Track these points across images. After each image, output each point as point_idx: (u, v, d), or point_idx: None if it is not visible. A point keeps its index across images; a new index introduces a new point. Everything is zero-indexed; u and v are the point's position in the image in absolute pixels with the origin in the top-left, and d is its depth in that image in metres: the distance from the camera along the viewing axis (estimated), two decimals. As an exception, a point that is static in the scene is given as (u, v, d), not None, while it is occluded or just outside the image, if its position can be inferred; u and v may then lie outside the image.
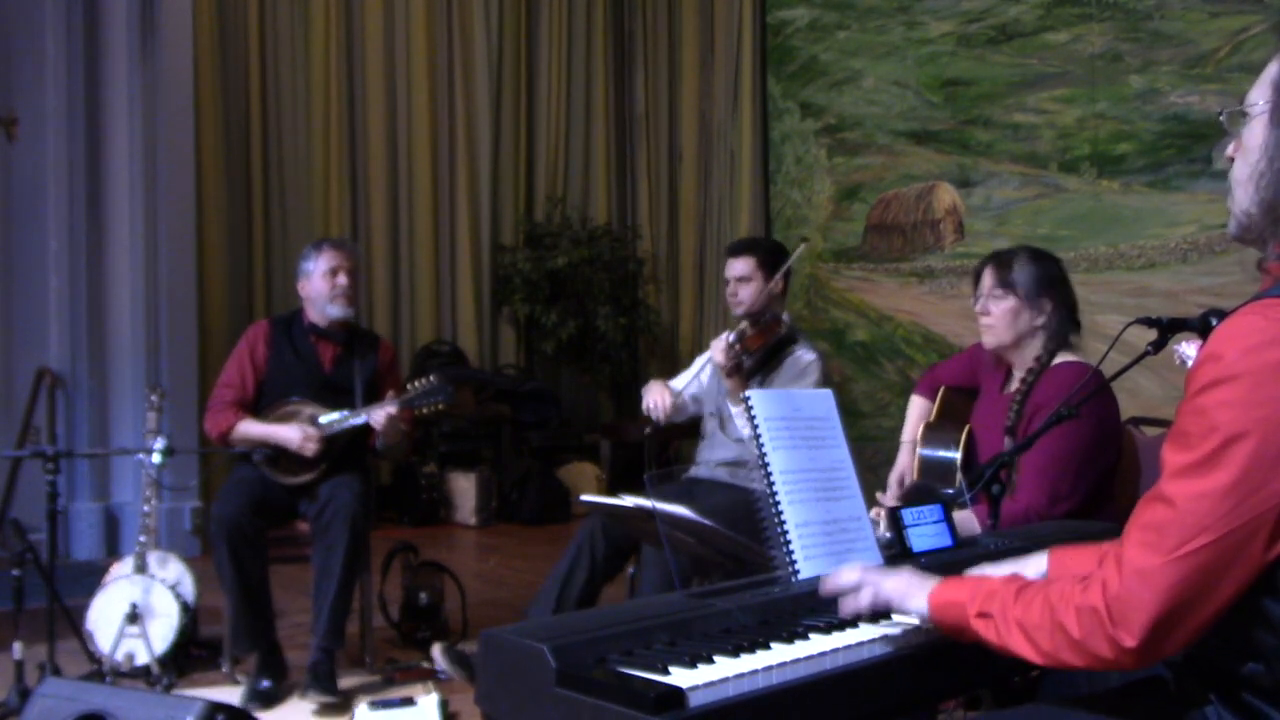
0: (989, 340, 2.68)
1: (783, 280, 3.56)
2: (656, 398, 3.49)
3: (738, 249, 3.68)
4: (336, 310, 3.73)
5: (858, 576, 1.50)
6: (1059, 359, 2.60)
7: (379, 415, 3.56)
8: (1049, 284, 2.62)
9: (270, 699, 3.39)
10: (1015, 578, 1.41)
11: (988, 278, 2.67)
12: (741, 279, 3.55)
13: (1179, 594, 1.20)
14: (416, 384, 3.65)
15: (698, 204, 8.19)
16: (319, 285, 3.72)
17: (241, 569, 3.39)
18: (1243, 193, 1.31)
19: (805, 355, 3.45)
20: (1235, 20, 5.14)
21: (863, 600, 1.46)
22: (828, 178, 7.19)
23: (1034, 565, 1.68)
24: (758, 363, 3.43)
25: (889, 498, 2.88)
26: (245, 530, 3.41)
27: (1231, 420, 1.18)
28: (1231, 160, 1.35)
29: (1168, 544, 1.21)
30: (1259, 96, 1.31)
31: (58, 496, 3.46)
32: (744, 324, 3.45)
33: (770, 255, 3.61)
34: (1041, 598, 1.31)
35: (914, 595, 1.45)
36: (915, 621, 1.53)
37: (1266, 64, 1.32)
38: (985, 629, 1.36)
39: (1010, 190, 6.14)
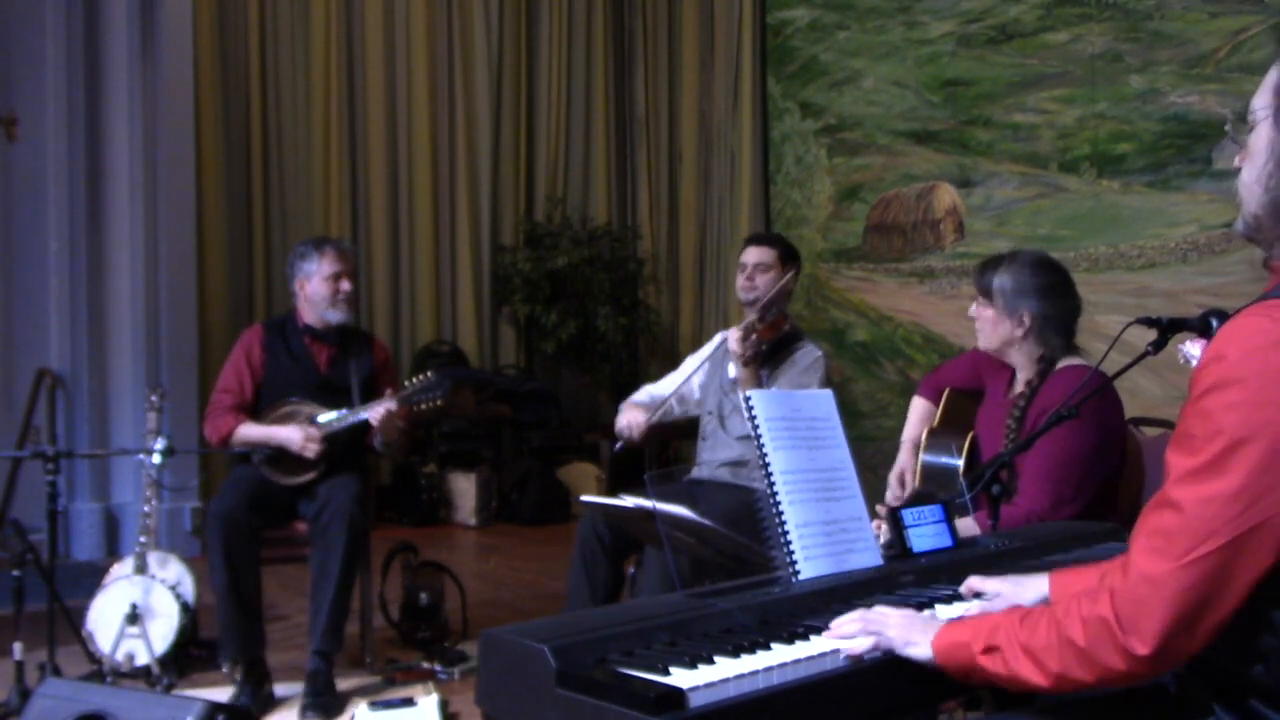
0: (980, 343, 2.70)
1: (792, 281, 3.60)
2: (630, 417, 3.51)
3: (761, 239, 3.73)
4: (338, 316, 3.74)
5: (859, 625, 1.46)
6: (1063, 363, 2.58)
7: (378, 411, 3.56)
8: (1027, 296, 2.56)
9: (248, 717, 3.36)
10: (1016, 608, 1.40)
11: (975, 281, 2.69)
12: (761, 266, 3.55)
13: (1190, 599, 1.19)
14: (414, 380, 3.66)
15: (698, 204, 8.19)
16: (320, 288, 3.72)
17: (233, 564, 3.38)
18: (1250, 195, 1.32)
19: (813, 350, 3.48)
20: (1235, 20, 5.14)
21: (865, 645, 1.44)
22: (828, 178, 7.19)
23: (1033, 587, 1.66)
24: (765, 355, 3.44)
25: (890, 496, 2.88)
26: (240, 524, 3.41)
27: (1237, 423, 1.17)
28: (1239, 168, 1.35)
29: (1177, 550, 1.20)
30: (1262, 102, 1.31)
31: (58, 497, 3.46)
32: (752, 319, 3.45)
33: (789, 252, 3.64)
34: (1047, 618, 1.30)
35: (917, 641, 1.42)
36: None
37: (1266, 64, 1.32)
38: (992, 663, 1.34)
39: (1010, 190, 6.14)
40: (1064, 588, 1.64)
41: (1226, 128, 1.46)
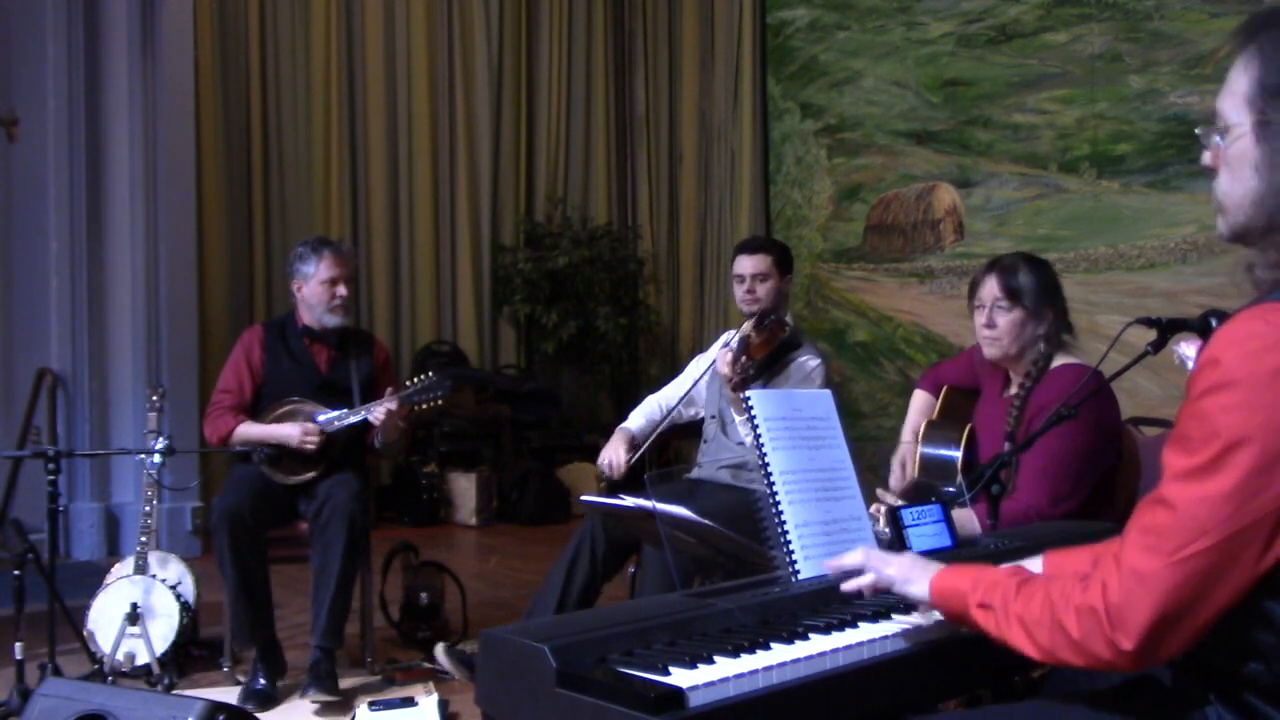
0: (992, 352, 2.65)
1: (788, 285, 3.60)
2: (612, 455, 3.48)
3: (755, 246, 3.64)
4: (333, 320, 3.74)
5: (861, 559, 1.52)
6: (1057, 361, 2.60)
7: (378, 411, 3.56)
8: (1050, 292, 2.62)
9: (266, 698, 3.39)
10: (1018, 570, 1.42)
11: (993, 288, 2.62)
12: (759, 276, 3.52)
13: (1178, 597, 1.20)
14: (415, 380, 3.66)
15: (698, 204, 8.20)
16: (317, 291, 3.72)
17: (241, 560, 3.39)
18: (1234, 206, 1.30)
19: (810, 361, 3.43)
20: (1235, 20, 5.11)
21: (865, 581, 1.47)
22: (828, 178, 7.19)
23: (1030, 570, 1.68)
24: (761, 368, 3.41)
25: (893, 478, 2.88)
26: (246, 521, 3.41)
27: (1232, 426, 1.18)
28: (1212, 169, 1.33)
29: (1167, 547, 1.21)
30: (1236, 117, 1.28)
31: (58, 497, 3.45)
32: (748, 328, 3.42)
33: (783, 254, 3.61)
34: (1043, 594, 1.32)
35: (916, 580, 1.47)
36: (916, 620, 1.53)
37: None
38: (985, 619, 1.37)
39: (1010, 190, 6.15)
40: (1058, 568, 1.67)
41: (1197, 131, 1.40)
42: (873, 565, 1.50)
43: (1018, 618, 1.33)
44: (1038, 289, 2.60)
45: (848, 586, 1.48)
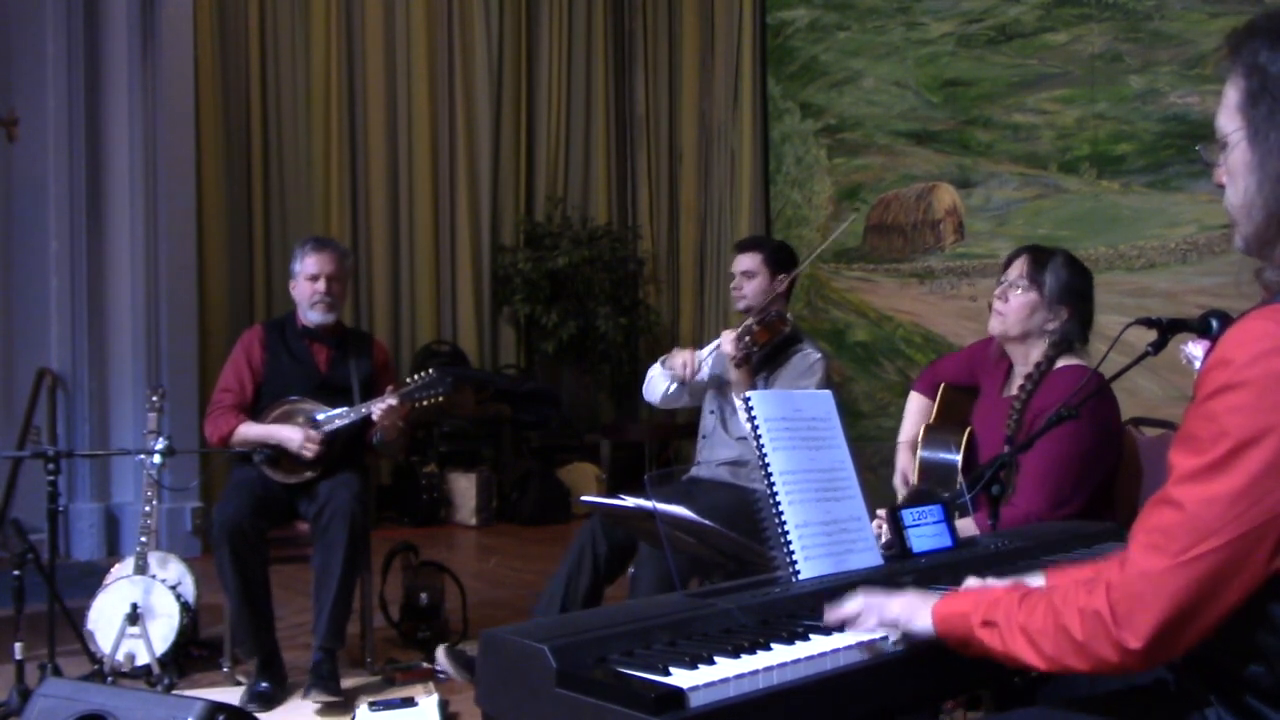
0: (995, 327, 2.67)
1: (787, 281, 3.59)
2: (687, 356, 3.49)
3: (746, 245, 3.73)
4: (315, 317, 3.73)
5: (860, 604, 1.49)
6: (1061, 363, 2.59)
7: (379, 407, 3.56)
8: (1073, 294, 2.61)
9: (269, 700, 3.39)
10: (1019, 585, 1.41)
11: (1018, 266, 2.65)
12: (746, 274, 3.59)
13: (1185, 598, 1.20)
14: (415, 377, 3.67)
15: (698, 204, 8.20)
16: (302, 287, 3.74)
17: (243, 572, 3.39)
18: (1240, 216, 1.32)
19: (813, 353, 3.47)
20: (1235, 20, 5.10)
21: (868, 626, 1.45)
22: (828, 178, 7.19)
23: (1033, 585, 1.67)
24: (764, 358, 3.44)
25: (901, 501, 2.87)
26: (247, 532, 3.41)
27: (1241, 426, 1.17)
28: (1222, 185, 1.35)
29: (1175, 547, 1.20)
30: (1231, 126, 1.31)
31: (58, 497, 3.45)
32: (750, 321, 3.46)
33: (776, 254, 3.64)
34: (1045, 603, 1.31)
35: (918, 614, 1.44)
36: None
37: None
38: (990, 638, 1.36)
39: (1010, 191, 6.15)
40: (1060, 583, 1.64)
41: (1198, 148, 1.45)
42: (872, 608, 1.47)
43: (1021, 629, 1.32)
44: (1061, 284, 2.60)
45: (855, 630, 1.44)
